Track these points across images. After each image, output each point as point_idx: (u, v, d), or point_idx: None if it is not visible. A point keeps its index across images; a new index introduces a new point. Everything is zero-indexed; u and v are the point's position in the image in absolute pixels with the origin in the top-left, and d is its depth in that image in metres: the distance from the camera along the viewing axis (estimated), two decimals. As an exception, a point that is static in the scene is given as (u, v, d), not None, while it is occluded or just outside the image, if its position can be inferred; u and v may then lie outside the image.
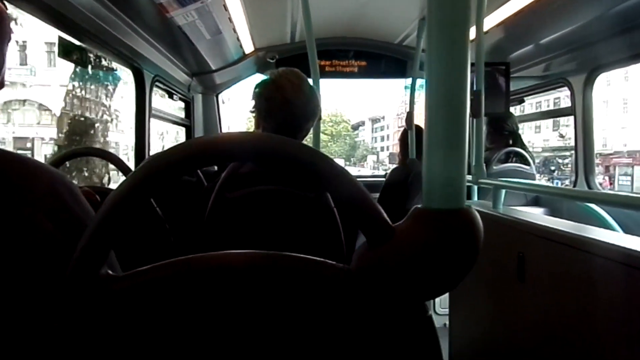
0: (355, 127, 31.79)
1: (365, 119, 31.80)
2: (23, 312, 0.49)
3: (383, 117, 30.37)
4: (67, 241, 0.54)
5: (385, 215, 0.39)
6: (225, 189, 1.19)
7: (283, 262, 0.41)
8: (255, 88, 1.38)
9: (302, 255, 0.41)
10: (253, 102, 1.39)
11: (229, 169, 1.20)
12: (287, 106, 1.31)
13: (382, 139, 30.16)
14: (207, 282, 0.39)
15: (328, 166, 0.38)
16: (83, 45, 1.74)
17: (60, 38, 1.61)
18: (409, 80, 3.50)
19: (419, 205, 0.43)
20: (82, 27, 1.67)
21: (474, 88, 1.90)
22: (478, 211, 1.31)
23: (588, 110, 2.40)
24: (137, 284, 0.39)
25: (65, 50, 1.63)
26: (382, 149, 29.36)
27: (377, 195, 2.96)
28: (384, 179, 3.24)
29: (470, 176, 1.97)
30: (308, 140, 1.67)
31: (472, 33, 2.64)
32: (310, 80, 1.95)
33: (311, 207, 1.21)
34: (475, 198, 2.42)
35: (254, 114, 1.40)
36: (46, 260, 0.52)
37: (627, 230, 1.96)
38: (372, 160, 27.47)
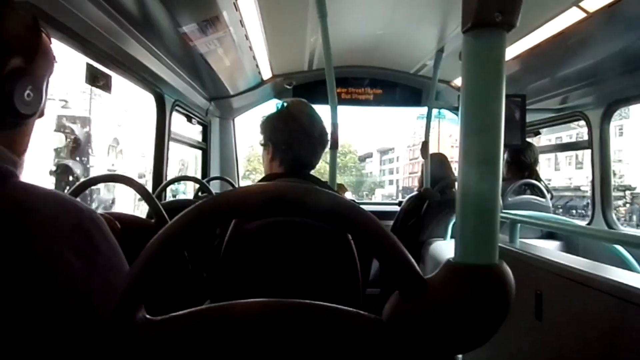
0: (363, 159, 30.73)
1: (373, 150, 30.84)
2: (52, 352, 0.50)
3: (392, 149, 29.44)
4: (95, 279, 0.55)
5: (417, 267, 0.40)
6: (243, 220, 1.20)
7: (316, 311, 0.41)
8: (266, 120, 1.39)
9: (334, 306, 0.41)
10: (265, 134, 1.39)
11: None
12: (305, 137, 1.33)
13: (391, 171, 29.12)
14: (241, 330, 0.40)
15: (362, 217, 0.39)
16: (108, 71, 1.79)
17: (87, 64, 1.66)
18: (422, 110, 3.55)
19: (451, 259, 0.43)
20: (109, 54, 1.72)
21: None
22: None
23: (605, 144, 2.38)
24: (172, 330, 0.40)
25: (92, 77, 1.67)
26: (390, 182, 28.43)
27: (389, 222, 2.96)
28: (397, 206, 3.23)
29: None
30: (322, 171, 1.68)
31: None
32: (328, 107, 1.99)
33: (328, 239, 1.21)
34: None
35: (265, 146, 1.40)
36: (74, 298, 0.52)
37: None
38: (381, 194, 26.60)
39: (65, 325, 0.51)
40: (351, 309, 0.42)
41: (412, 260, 0.40)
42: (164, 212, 1.43)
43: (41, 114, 0.67)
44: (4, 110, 0.60)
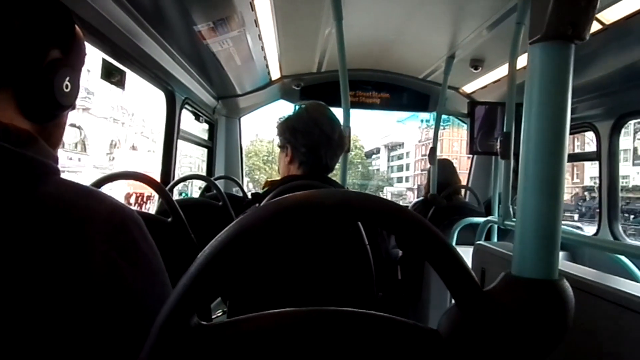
0: (369, 155, 28.47)
1: (381, 145, 28.33)
2: (98, 354, 0.49)
3: (402, 144, 27.15)
4: (138, 280, 0.54)
5: (476, 278, 0.39)
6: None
7: (372, 321, 0.40)
8: (285, 122, 1.38)
9: (391, 316, 0.41)
10: (283, 136, 1.38)
11: (268, 199, 1.20)
12: (325, 140, 1.32)
13: (401, 168, 26.88)
14: (296, 337, 0.39)
15: (421, 225, 0.39)
16: (123, 67, 1.78)
17: (103, 60, 1.65)
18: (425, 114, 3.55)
19: (509, 271, 0.43)
20: (124, 50, 1.72)
21: (504, 129, 1.91)
22: (504, 254, 1.29)
23: (614, 156, 2.38)
24: (227, 336, 0.39)
25: (107, 72, 1.67)
26: (400, 179, 26.27)
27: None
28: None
29: (497, 217, 1.96)
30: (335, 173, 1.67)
31: (505, 71, 2.67)
32: (341, 110, 1.99)
33: (347, 240, 1.21)
34: (495, 239, 2.40)
35: (283, 148, 1.39)
36: (120, 301, 0.51)
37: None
38: (390, 193, 24.72)
39: (111, 328, 0.50)
40: (407, 320, 0.41)
41: (472, 271, 0.39)
42: (179, 210, 1.42)
43: (73, 107, 0.67)
44: (44, 102, 0.60)
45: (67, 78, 0.62)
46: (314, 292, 1.20)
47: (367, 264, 1.22)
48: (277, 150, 1.46)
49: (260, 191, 1.34)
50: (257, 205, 1.25)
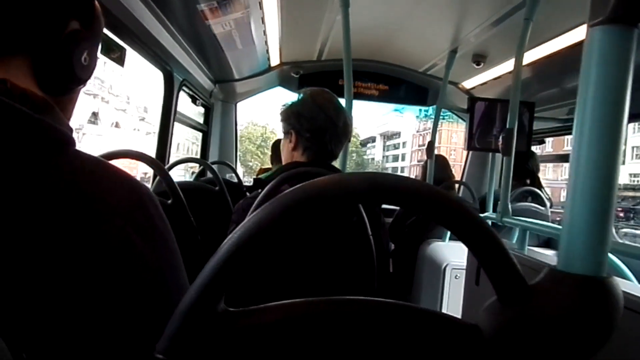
0: (364, 144, 27.76)
1: (376, 134, 27.77)
2: (112, 331, 0.47)
3: (398, 134, 26.35)
4: (154, 258, 0.52)
5: (521, 271, 0.37)
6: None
7: (410, 313, 0.38)
8: (289, 108, 1.36)
9: (429, 309, 0.39)
10: (287, 122, 1.36)
11: (269, 188, 1.18)
12: (331, 127, 1.30)
13: (396, 158, 26.09)
14: (329, 326, 0.37)
15: (463, 211, 0.37)
16: (123, 44, 1.73)
17: (103, 34, 1.60)
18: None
19: (554, 266, 0.41)
20: (125, 25, 1.67)
21: (507, 126, 1.90)
22: None
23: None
24: (254, 323, 0.37)
25: (107, 47, 1.62)
26: (395, 170, 25.18)
27: (388, 219, 2.94)
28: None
29: (494, 214, 1.96)
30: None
31: (507, 68, 2.66)
32: (343, 100, 1.96)
33: (351, 230, 1.19)
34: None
35: (287, 134, 1.37)
36: (135, 279, 0.49)
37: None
38: None
39: (125, 304, 0.48)
40: (445, 313, 0.39)
41: (517, 263, 0.37)
42: (180, 192, 1.39)
43: (87, 80, 0.64)
44: (62, 74, 0.58)
45: (86, 51, 0.60)
46: (316, 280, 1.18)
47: (369, 255, 1.20)
48: (270, 135, 1.44)
49: (252, 178, 1.32)
50: (259, 191, 1.23)
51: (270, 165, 3.08)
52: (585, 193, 0.41)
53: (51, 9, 0.56)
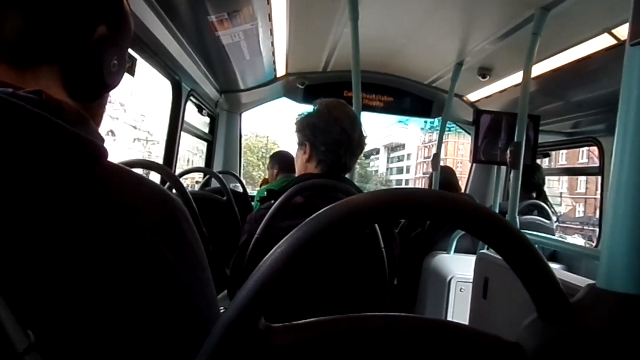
0: (367, 155, 26.45)
1: (380, 146, 26.83)
2: (145, 348, 0.46)
3: (402, 146, 25.63)
4: (187, 274, 0.52)
5: (562, 289, 0.37)
6: (276, 217, 1.17)
7: (451, 331, 0.38)
8: (304, 119, 1.35)
9: (470, 327, 0.39)
10: (302, 134, 1.35)
11: (283, 199, 1.18)
12: (345, 140, 1.30)
13: (401, 170, 25.33)
14: (371, 343, 0.37)
15: (504, 226, 0.37)
16: (134, 53, 1.74)
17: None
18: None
19: (594, 283, 0.41)
20: (137, 35, 1.68)
21: (515, 139, 1.90)
22: None
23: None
24: (298, 339, 0.37)
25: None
26: (399, 182, 24.69)
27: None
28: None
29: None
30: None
31: (512, 81, 2.67)
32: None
33: (361, 244, 1.19)
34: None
35: (301, 145, 1.36)
36: (168, 295, 0.49)
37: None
38: None
39: (157, 322, 0.48)
40: (486, 332, 0.39)
41: (558, 280, 0.37)
42: (193, 203, 1.38)
43: (116, 86, 0.64)
44: (92, 81, 0.57)
45: (115, 57, 0.59)
46: (327, 292, 1.18)
47: (381, 268, 1.20)
48: (273, 147, 1.44)
49: (256, 189, 1.32)
50: (272, 202, 1.23)
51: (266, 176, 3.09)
52: (627, 211, 0.41)
53: (79, 15, 0.55)
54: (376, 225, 1.19)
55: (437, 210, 0.36)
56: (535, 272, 0.37)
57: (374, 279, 1.20)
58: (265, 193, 1.27)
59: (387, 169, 26.92)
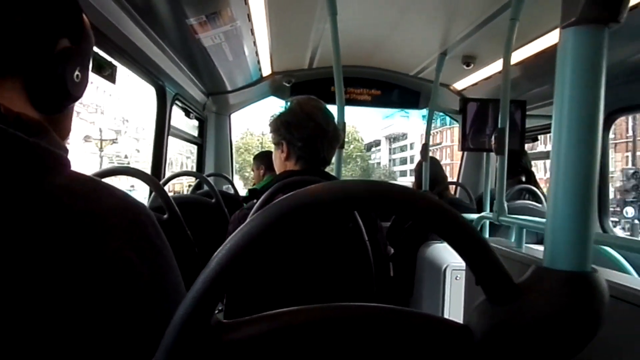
0: (369, 147, 26.17)
1: (381, 137, 26.42)
2: (112, 350, 0.47)
3: (404, 135, 25.09)
4: (153, 277, 0.52)
5: (507, 271, 0.38)
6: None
7: (400, 316, 0.39)
8: (278, 118, 1.36)
9: (421, 312, 0.40)
10: (277, 133, 1.36)
11: (264, 198, 1.18)
12: (321, 134, 1.31)
13: (404, 161, 24.68)
14: (324, 333, 0.38)
15: (450, 215, 0.37)
16: (114, 61, 1.74)
17: (94, 53, 1.61)
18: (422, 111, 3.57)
19: (541, 264, 0.42)
20: (116, 43, 1.68)
21: (498, 125, 1.91)
22: (501, 250, 1.29)
23: (604, 153, 2.41)
24: (250, 334, 0.37)
25: (98, 66, 1.63)
26: (403, 173, 24.06)
27: (386, 223, 2.95)
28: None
29: (491, 213, 1.96)
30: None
31: (497, 67, 2.68)
32: (335, 107, 1.97)
33: (347, 236, 1.20)
34: (487, 234, 2.41)
35: (278, 144, 1.37)
36: (133, 297, 0.49)
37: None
38: None
39: (124, 325, 0.48)
40: (436, 315, 0.40)
41: (503, 263, 0.38)
42: (176, 207, 1.39)
43: (80, 97, 0.65)
44: (55, 92, 0.58)
45: (78, 68, 0.61)
46: (313, 288, 1.18)
47: (366, 261, 1.21)
48: (269, 144, 1.45)
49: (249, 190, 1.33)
50: (254, 201, 1.24)
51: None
52: (566, 190, 0.42)
53: (40, 28, 0.56)
54: (359, 218, 1.20)
55: (382, 200, 0.37)
56: (479, 256, 0.38)
57: (360, 272, 1.21)
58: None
59: (390, 160, 26.56)
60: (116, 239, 0.50)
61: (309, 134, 1.30)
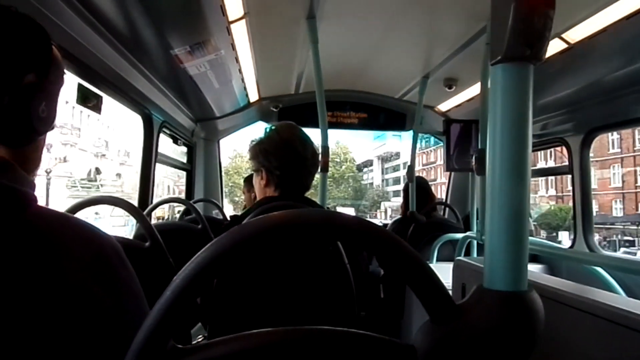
0: (360, 168, 25.70)
1: (373, 157, 25.90)
2: None
3: (397, 155, 24.38)
4: (116, 307, 0.54)
5: (448, 291, 0.40)
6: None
7: (348, 338, 0.41)
8: (256, 145, 1.37)
9: (366, 333, 0.41)
10: (256, 160, 1.37)
11: (250, 218, 1.20)
12: (298, 161, 1.33)
13: (397, 181, 23.84)
14: (274, 357, 0.39)
15: (390, 240, 0.39)
16: (99, 92, 1.77)
17: (79, 85, 1.64)
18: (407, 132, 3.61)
19: (482, 285, 0.44)
20: (101, 75, 1.71)
21: (479, 146, 1.95)
22: (483, 269, 1.30)
23: (586, 170, 2.45)
24: (204, 358, 0.39)
25: (83, 97, 1.66)
26: (397, 193, 23.15)
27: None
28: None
29: (475, 233, 1.99)
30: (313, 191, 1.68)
31: (478, 89, 2.74)
32: (314, 130, 2.01)
33: (326, 259, 1.21)
34: (475, 254, 2.43)
35: (257, 171, 1.39)
36: (96, 326, 0.51)
37: (628, 291, 1.95)
38: (389, 208, 22.33)
39: (88, 355, 0.49)
40: (383, 336, 0.41)
41: (444, 285, 0.40)
42: (157, 234, 1.40)
43: (52, 128, 0.66)
44: (19, 127, 0.59)
45: (44, 103, 0.61)
46: (295, 313, 1.19)
47: (347, 283, 1.22)
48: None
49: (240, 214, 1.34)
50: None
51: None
52: (501, 214, 0.44)
53: (6, 63, 0.57)
54: (339, 241, 1.21)
55: (323, 228, 0.39)
56: (420, 279, 0.40)
57: (341, 295, 1.22)
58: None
59: (383, 180, 26.12)
60: (80, 270, 0.51)
61: (286, 161, 1.32)
